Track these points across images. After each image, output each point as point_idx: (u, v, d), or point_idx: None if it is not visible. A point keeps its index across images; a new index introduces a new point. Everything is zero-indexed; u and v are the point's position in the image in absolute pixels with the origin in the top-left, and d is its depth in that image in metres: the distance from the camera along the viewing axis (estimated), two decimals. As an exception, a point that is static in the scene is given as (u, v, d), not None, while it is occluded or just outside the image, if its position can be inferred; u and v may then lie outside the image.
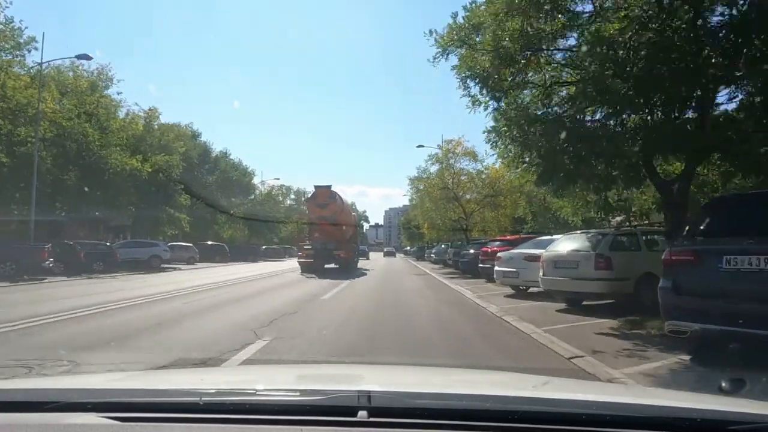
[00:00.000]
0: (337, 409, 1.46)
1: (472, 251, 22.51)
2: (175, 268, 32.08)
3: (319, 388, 1.73)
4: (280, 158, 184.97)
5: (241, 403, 1.56)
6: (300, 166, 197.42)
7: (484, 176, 26.78)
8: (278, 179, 58.23)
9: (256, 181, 62.26)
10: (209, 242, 47.19)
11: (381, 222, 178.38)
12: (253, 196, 59.11)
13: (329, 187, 28.04)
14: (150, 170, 32.90)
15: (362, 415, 1.42)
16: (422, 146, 39.27)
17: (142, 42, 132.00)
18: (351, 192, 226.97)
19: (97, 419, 1.46)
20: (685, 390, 3.13)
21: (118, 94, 34.91)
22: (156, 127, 37.49)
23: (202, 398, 1.55)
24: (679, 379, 5.27)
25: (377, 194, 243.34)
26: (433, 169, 27.44)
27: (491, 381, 2.46)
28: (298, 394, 1.65)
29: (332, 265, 26.25)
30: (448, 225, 28.52)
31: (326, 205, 26.75)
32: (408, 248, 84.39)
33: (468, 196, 28.08)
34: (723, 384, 1.91)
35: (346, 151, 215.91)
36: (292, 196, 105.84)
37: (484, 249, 19.75)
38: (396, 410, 1.45)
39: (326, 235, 25.83)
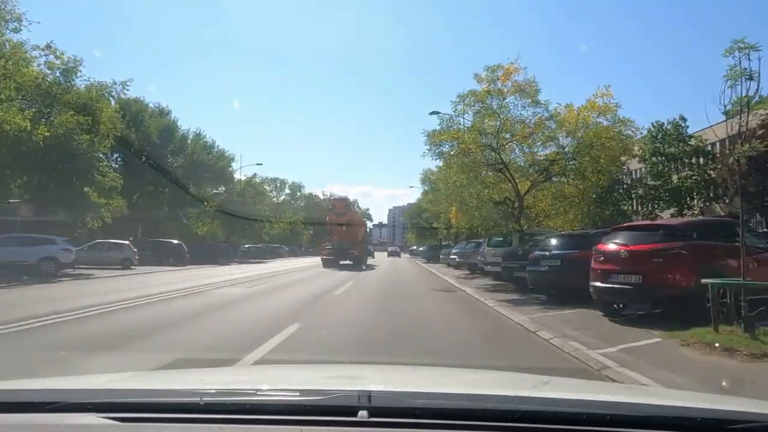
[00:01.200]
0: (338, 409, 1.41)
1: (555, 252, 11.41)
2: (81, 276, 21.24)
3: (320, 388, 1.67)
4: (282, 157, 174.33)
5: (242, 403, 1.52)
6: (303, 165, 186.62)
7: (551, 126, 15.64)
8: (261, 164, 47.09)
9: (238, 169, 51.32)
10: (174, 240, 36.22)
11: (385, 221, 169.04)
12: (231, 185, 47.86)
13: (346, 199, 37.12)
14: (47, 134, 21.98)
15: (362, 415, 1.37)
16: (437, 113, 29.14)
17: (140, 41, 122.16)
18: (355, 192, 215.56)
19: (97, 420, 1.42)
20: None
21: (16, 32, 23.90)
22: (79, 85, 26.31)
23: (203, 398, 1.49)
24: None
25: (382, 195, 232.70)
26: (465, 121, 16.36)
27: (491, 381, 2.38)
28: (298, 394, 1.58)
29: (347, 261, 30.60)
30: (485, 211, 17.36)
31: (343, 214, 32.74)
32: (414, 247, 72.87)
33: (521, 163, 16.92)
34: (723, 383, 1.91)
35: (352, 151, 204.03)
36: (287, 191, 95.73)
37: (609, 248, 8.67)
38: (396, 410, 1.41)
39: (343, 237, 31.32)
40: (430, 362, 5.50)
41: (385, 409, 1.40)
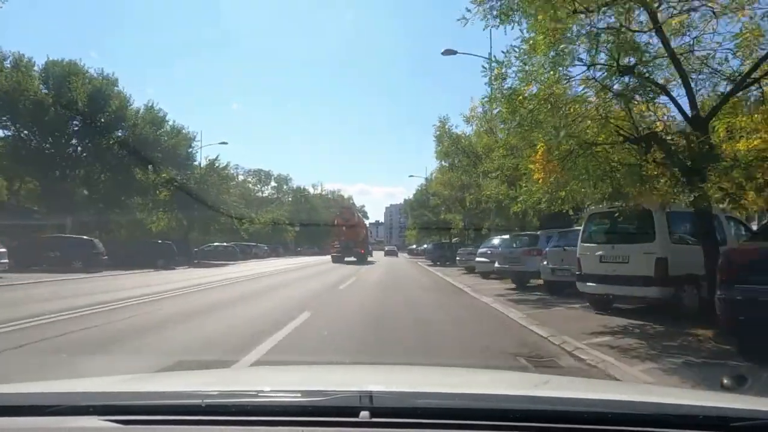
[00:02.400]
0: (340, 409, 1.37)
1: None
2: None
3: (321, 389, 1.56)
4: (278, 157, 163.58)
5: (244, 404, 1.46)
6: (301, 165, 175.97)
7: None
8: (226, 143, 36.10)
9: (198, 149, 40.74)
10: (84, 236, 25.96)
11: (381, 220, 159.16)
12: (189, 170, 37.34)
13: (351, 207, 59.08)
14: None
15: (364, 415, 1.33)
16: (452, 52, 20.22)
17: (140, 43, 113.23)
18: (352, 190, 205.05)
19: (99, 422, 1.38)
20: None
21: None
22: None
23: (205, 400, 1.45)
24: None
25: (378, 193, 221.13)
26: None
27: (493, 380, 2.28)
28: (299, 395, 1.53)
29: (352, 258, 37.08)
30: (605, 161, 7.21)
31: (348, 220, 40.56)
32: (414, 246, 62.54)
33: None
34: (724, 381, 1.78)
35: (351, 151, 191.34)
36: (273, 184, 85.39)
37: None
38: (398, 410, 1.36)
39: (348, 238, 38.44)
40: (431, 362, 5.09)
41: (387, 409, 1.36)
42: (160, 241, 31.11)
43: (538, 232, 14.09)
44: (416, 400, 1.42)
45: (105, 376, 2.70)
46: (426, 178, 41.29)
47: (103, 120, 31.77)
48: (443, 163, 23.52)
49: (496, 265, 14.58)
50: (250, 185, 78.61)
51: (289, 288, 15.48)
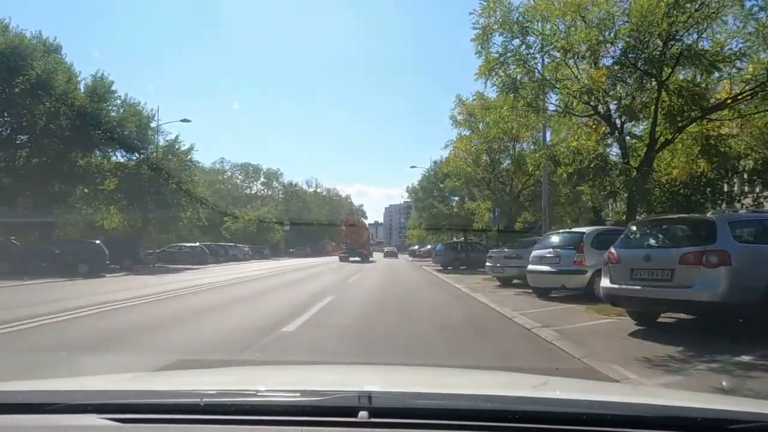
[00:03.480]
0: (338, 409, 1.32)
1: None
2: None
3: (320, 388, 1.54)
4: (277, 156, 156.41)
5: (242, 403, 1.41)
6: (301, 165, 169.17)
7: None
8: (189, 120, 28.24)
9: (172, 133, 32.60)
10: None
11: (380, 221, 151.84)
12: (145, 153, 29.33)
13: (355, 213, 64.05)
14: None
15: (363, 415, 1.28)
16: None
17: (141, 42, 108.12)
18: (350, 191, 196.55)
19: (97, 420, 1.34)
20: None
21: None
22: None
23: (203, 399, 1.38)
24: None
25: (377, 194, 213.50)
26: None
27: (491, 381, 2.18)
28: (298, 394, 1.46)
29: (357, 258, 39.27)
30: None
31: (353, 224, 45.12)
32: (416, 247, 54.72)
33: None
34: (724, 383, 1.73)
35: (350, 151, 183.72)
36: (263, 179, 77.43)
37: None
38: (397, 410, 1.31)
39: (353, 240, 42.39)
40: (429, 363, 5.00)
41: (386, 409, 1.30)
42: (91, 241, 23.43)
43: (711, 215, 6.47)
44: (415, 400, 1.38)
45: (103, 375, 2.78)
46: (434, 162, 33.61)
47: (22, 87, 24.00)
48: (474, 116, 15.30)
49: (607, 284, 6.80)
50: (239, 181, 71.01)
51: (187, 329, 7.85)
